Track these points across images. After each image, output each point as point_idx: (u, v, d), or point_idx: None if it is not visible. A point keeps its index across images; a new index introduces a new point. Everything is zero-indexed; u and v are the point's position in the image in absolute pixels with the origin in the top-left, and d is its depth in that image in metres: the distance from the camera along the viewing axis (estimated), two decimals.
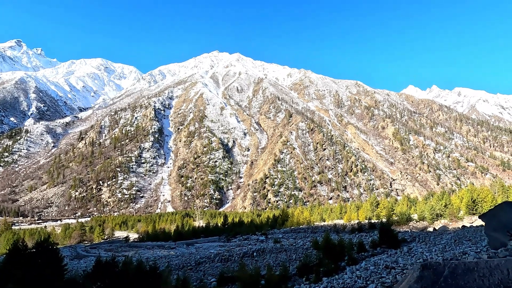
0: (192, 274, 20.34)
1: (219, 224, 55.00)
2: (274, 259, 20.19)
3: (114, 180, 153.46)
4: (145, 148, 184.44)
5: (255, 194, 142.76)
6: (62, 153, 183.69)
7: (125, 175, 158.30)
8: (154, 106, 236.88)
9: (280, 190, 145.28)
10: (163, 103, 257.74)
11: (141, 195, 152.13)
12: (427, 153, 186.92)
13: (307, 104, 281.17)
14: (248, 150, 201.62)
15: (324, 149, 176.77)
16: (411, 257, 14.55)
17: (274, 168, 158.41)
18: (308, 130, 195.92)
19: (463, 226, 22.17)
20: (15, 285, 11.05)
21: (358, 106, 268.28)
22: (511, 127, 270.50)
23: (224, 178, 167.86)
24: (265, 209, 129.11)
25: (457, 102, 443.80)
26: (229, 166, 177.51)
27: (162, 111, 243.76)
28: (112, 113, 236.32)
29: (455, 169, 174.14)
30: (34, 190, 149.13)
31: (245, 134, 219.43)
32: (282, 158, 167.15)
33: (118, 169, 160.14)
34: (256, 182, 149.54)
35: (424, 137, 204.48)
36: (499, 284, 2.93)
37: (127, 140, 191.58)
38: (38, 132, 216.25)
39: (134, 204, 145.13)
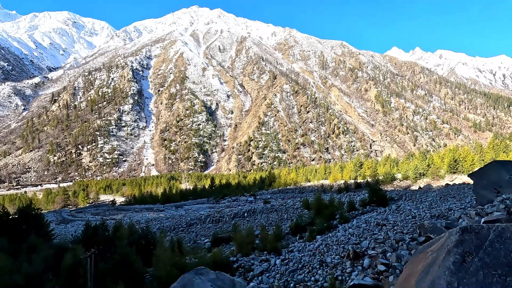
0: (185, 236, 20.52)
1: (207, 187, 55.58)
2: (265, 219, 20.62)
3: (94, 144, 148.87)
4: (125, 111, 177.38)
5: (239, 156, 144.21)
6: (35, 117, 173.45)
7: (105, 139, 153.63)
8: (132, 66, 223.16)
9: (264, 152, 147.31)
10: (141, 63, 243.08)
11: (123, 159, 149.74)
12: (406, 116, 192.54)
13: (291, 65, 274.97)
14: (232, 113, 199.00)
15: (308, 112, 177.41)
16: (400, 214, 15.09)
17: (258, 131, 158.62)
18: (292, 92, 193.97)
19: (447, 184, 23.40)
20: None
21: (342, 68, 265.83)
22: (485, 90, 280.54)
23: (208, 141, 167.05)
24: (250, 171, 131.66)
25: (438, 65, 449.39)
26: (213, 129, 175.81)
27: (141, 72, 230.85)
28: (86, 74, 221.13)
29: (431, 131, 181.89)
30: (9, 155, 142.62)
31: (228, 96, 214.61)
32: (266, 121, 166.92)
33: (98, 133, 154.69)
34: (240, 145, 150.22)
35: (405, 100, 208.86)
36: None
37: (104, 103, 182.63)
38: (5, 94, 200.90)
39: (117, 168, 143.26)
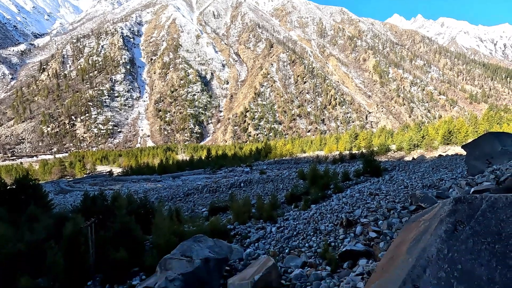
0: (182, 205, 20.96)
1: (203, 157, 55.98)
2: (261, 189, 21.04)
3: (87, 115, 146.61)
4: (117, 81, 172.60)
5: (235, 127, 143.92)
6: (24, 86, 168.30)
7: (99, 110, 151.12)
8: (122, 32, 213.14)
9: (260, 123, 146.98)
10: (132, 29, 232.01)
11: (118, 130, 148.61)
12: (404, 87, 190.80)
13: (289, 33, 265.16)
14: (227, 83, 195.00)
15: (305, 82, 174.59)
16: (393, 184, 15.44)
17: (254, 101, 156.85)
18: (289, 62, 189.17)
19: (440, 155, 23.83)
20: (0, 222, 10.63)
21: (341, 36, 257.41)
22: (484, 61, 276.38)
23: (203, 112, 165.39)
24: (246, 142, 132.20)
25: (439, 34, 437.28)
26: (208, 99, 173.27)
27: (131, 39, 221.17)
28: (74, 41, 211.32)
29: (427, 102, 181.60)
30: (0, 126, 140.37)
31: (223, 65, 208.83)
32: (263, 92, 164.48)
33: (90, 104, 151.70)
34: (236, 116, 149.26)
35: (403, 70, 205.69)
36: None
37: (95, 72, 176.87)
38: None
39: (112, 139, 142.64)
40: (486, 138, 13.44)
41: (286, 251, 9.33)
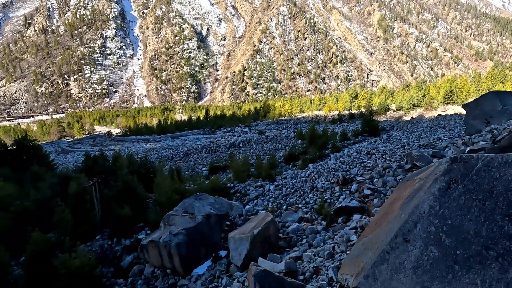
0: (183, 164, 21.34)
1: (201, 118, 55.71)
2: (260, 149, 21.29)
3: (80, 74, 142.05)
4: (108, 37, 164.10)
5: (233, 87, 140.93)
6: (11, 43, 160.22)
7: (92, 69, 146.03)
8: None
9: (259, 82, 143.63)
10: None
11: (114, 90, 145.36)
12: (408, 43, 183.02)
13: None
14: (225, 39, 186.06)
15: (306, 38, 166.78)
16: (390, 144, 15.60)
17: (252, 59, 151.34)
18: (289, 16, 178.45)
19: (439, 115, 23.72)
20: (5, 181, 10.89)
21: None
22: (496, 14, 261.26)
23: (200, 70, 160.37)
24: (244, 101, 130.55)
25: None
26: (205, 57, 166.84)
27: None
28: None
29: (431, 60, 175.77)
30: None
31: (220, 20, 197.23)
32: (261, 49, 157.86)
33: (82, 62, 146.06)
34: (234, 75, 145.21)
35: (409, 25, 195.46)
36: None
37: (84, 27, 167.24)
38: None
39: (108, 100, 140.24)
40: (487, 97, 13.27)
41: (284, 207, 9.75)
